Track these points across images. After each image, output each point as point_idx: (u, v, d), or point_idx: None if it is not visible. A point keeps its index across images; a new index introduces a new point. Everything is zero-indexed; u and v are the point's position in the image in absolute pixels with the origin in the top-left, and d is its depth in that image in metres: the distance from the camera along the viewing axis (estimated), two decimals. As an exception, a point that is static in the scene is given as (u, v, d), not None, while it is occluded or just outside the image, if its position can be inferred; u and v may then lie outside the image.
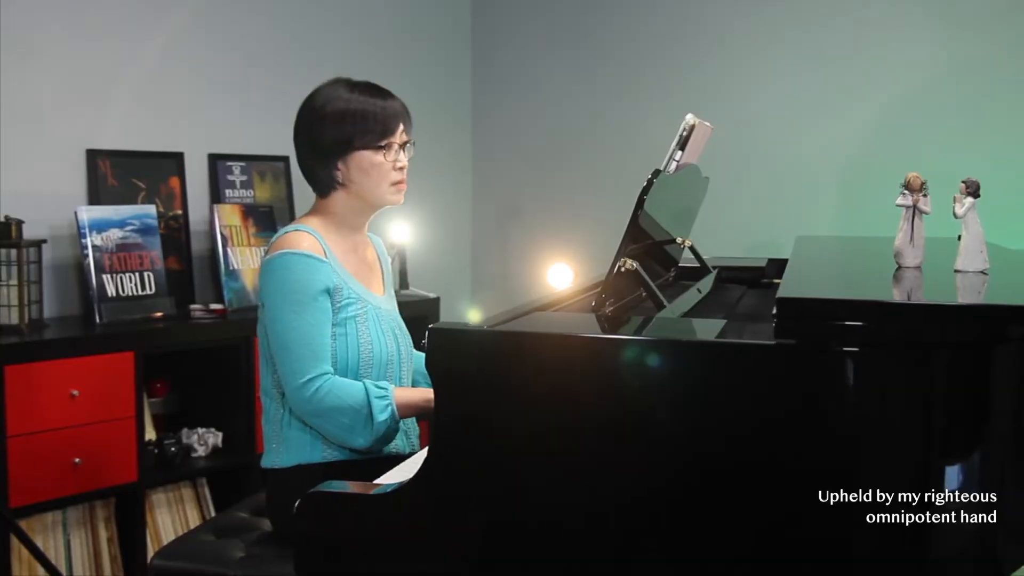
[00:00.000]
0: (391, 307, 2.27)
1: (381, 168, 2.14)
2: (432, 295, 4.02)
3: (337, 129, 2.11)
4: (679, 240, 2.45)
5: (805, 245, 2.50)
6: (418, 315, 3.59)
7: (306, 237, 2.09)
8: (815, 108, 3.83)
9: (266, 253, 2.13)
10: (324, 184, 2.17)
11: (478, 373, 1.58)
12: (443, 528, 1.60)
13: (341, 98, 2.13)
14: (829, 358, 1.45)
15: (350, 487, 1.67)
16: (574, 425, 1.54)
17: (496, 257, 4.76)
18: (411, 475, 1.63)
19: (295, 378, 2.03)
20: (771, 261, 2.75)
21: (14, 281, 2.99)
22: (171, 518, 3.27)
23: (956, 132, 3.52)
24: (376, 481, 1.81)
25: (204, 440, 3.37)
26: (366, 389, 2.04)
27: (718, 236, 3.80)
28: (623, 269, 1.91)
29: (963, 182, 1.82)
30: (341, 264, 2.15)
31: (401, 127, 2.17)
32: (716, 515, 1.51)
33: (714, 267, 2.61)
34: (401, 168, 2.17)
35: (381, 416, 2.02)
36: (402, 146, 2.18)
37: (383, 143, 2.13)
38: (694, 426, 1.50)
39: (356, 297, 2.13)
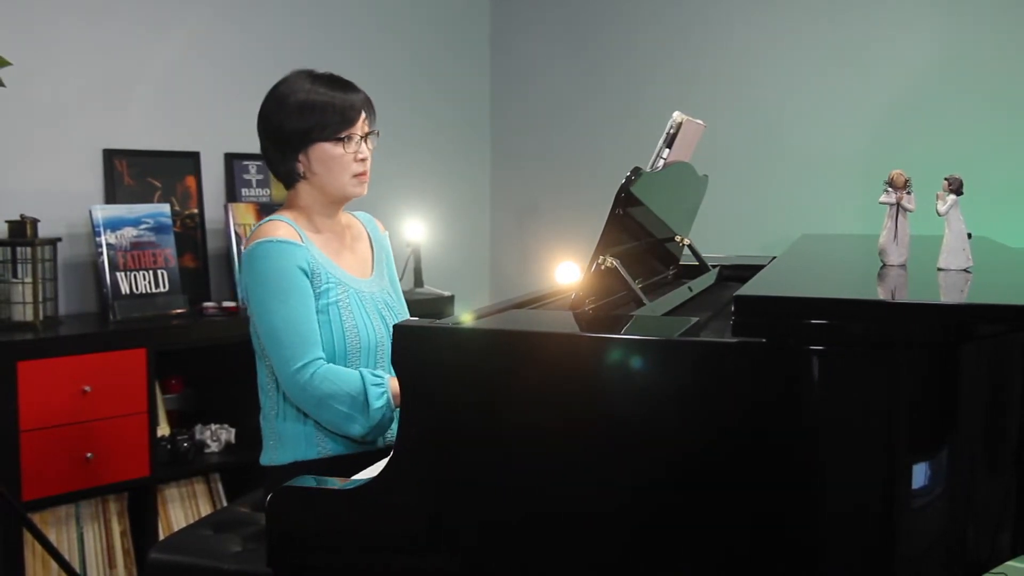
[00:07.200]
0: (377, 289, 2.26)
1: (341, 160, 2.15)
2: (446, 293, 4.03)
3: (297, 120, 2.13)
4: (677, 238, 2.44)
5: (803, 243, 2.48)
6: (431, 313, 3.60)
7: (281, 225, 2.12)
8: (830, 105, 3.78)
9: (245, 246, 2.16)
10: (287, 176, 2.21)
11: (441, 370, 1.58)
12: (408, 524, 1.61)
13: (302, 89, 2.15)
14: (788, 356, 1.43)
15: (318, 483, 1.69)
16: (538, 422, 1.54)
17: (515, 256, 4.76)
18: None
19: (288, 365, 2.05)
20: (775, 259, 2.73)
21: (29, 278, 3.05)
22: (183, 513, 3.31)
23: (975, 127, 3.46)
24: (353, 477, 1.82)
25: (217, 436, 3.41)
26: (362, 377, 2.06)
27: (733, 235, 3.79)
28: (603, 267, 1.90)
29: (946, 179, 1.79)
30: (319, 249, 2.17)
31: (363, 117, 2.18)
32: (676, 515, 1.50)
33: (714, 265, 2.59)
34: (363, 160, 2.18)
35: (377, 403, 2.04)
36: (364, 137, 2.18)
37: (342, 135, 2.14)
38: (654, 424, 1.49)
39: (336, 282, 2.15)
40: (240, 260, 3.45)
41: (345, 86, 2.19)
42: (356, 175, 2.18)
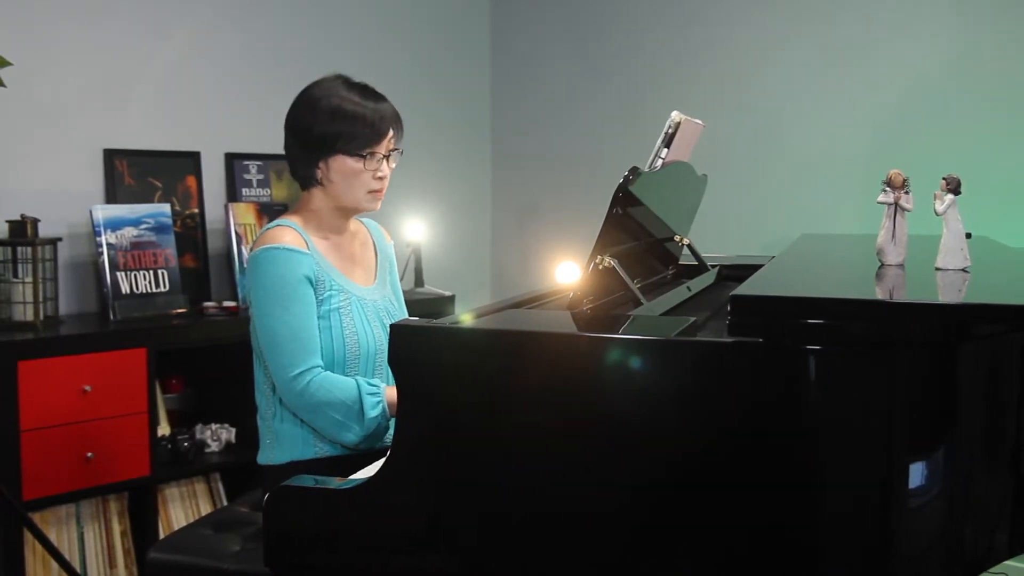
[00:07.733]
0: (379, 297, 2.27)
1: (360, 176, 2.15)
2: (447, 293, 4.03)
3: (327, 125, 2.12)
4: (676, 238, 2.44)
5: (802, 243, 2.48)
6: (431, 313, 3.60)
7: (289, 231, 2.12)
8: (830, 105, 3.78)
9: (251, 249, 2.16)
10: (304, 179, 2.20)
11: (439, 370, 1.58)
12: (406, 523, 1.61)
13: (336, 95, 2.14)
14: (785, 356, 1.43)
15: (316, 482, 1.69)
16: (536, 421, 1.54)
17: (515, 256, 4.77)
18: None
19: (285, 372, 2.05)
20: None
21: (29, 278, 3.06)
22: (184, 513, 3.31)
23: (975, 127, 3.46)
24: (350, 477, 1.82)
25: (217, 436, 3.41)
26: (358, 385, 2.07)
27: (733, 235, 3.78)
28: (601, 267, 1.90)
29: (944, 179, 1.79)
30: (324, 257, 2.17)
31: (389, 135, 2.17)
32: (676, 515, 1.50)
33: (714, 265, 2.59)
34: (381, 177, 2.18)
35: (372, 412, 2.05)
36: (387, 155, 2.18)
37: (366, 152, 2.14)
38: (652, 424, 1.49)
39: (339, 288, 2.15)
40: (243, 260, 3.49)
41: (377, 99, 2.18)
42: (371, 191, 2.18)
